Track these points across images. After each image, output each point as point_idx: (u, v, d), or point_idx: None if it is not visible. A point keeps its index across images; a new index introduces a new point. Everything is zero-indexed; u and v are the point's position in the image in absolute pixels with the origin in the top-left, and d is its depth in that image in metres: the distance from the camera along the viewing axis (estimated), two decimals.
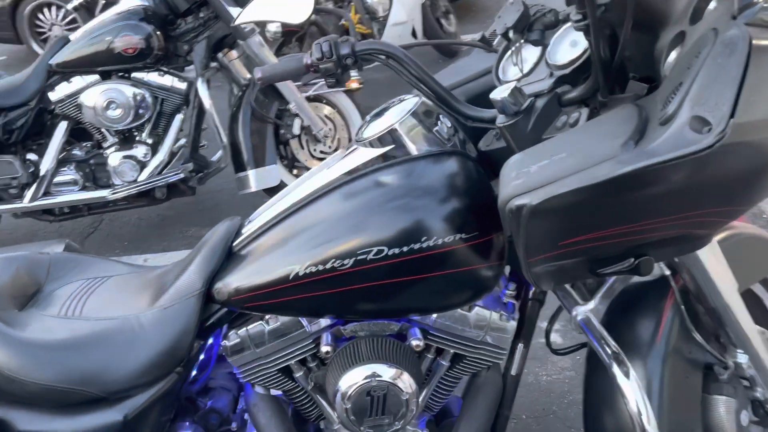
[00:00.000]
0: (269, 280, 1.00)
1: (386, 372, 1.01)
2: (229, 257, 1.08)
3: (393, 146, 1.05)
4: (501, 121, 1.00)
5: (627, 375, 1.01)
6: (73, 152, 2.63)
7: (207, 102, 2.48)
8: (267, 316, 1.08)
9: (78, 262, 1.28)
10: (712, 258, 1.06)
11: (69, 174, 2.59)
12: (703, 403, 1.18)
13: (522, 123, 0.98)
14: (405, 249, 0.94)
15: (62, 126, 2.57)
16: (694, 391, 1.13)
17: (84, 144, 2.66)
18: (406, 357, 1.05)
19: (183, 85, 2.56)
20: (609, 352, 1.03)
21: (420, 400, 1.15)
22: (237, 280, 1.03)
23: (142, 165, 2.57)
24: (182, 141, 2.63)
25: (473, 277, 0.99)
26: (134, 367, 1.03)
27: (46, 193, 2.57)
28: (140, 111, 2.53)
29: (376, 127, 1.06)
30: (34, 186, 2.54)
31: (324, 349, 1.05)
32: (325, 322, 1.08)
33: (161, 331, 1.05)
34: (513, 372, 1.18)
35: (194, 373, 1.17)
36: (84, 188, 2.61)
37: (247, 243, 1.07)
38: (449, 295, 1.01)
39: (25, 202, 2.55)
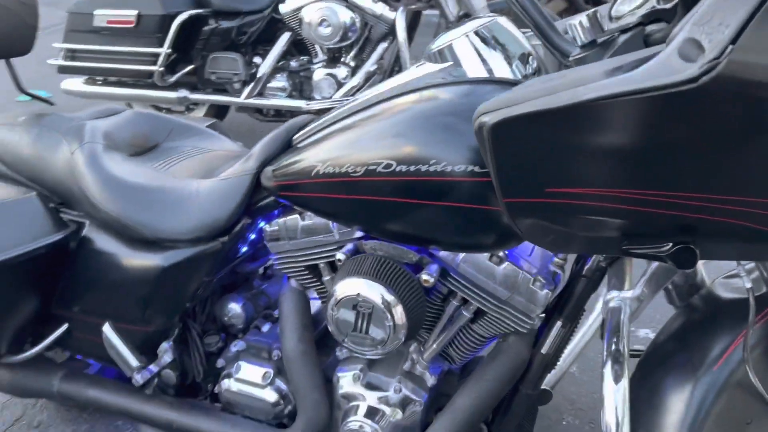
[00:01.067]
0: (296, 172, 1.01)
1: (376, 294, 0.97)
2: (286, 149, 1.12)
3: (451, 63, 0.97)
4: (574, 54, 0.86)
5: (617, 380, 0.82)
6: (289, 62, 2.91)
7: (401, 35, 2.52)
8: (305, 213, 1.11)
9: (197, 133, 1.43)
10: None
11: (281, 81, 2.88)
12: None
13: (594, 58, 0.83)
14: (412, 168, 0.88)
15: (285, 37, 2.85)
16: None
17: (300, 57, 2.92)
18: (409, 288, 0.99)
19: (392, 15, 2.63)
20: (613, 348, 0.85)
21: (434, 344, 1.09)
22: (277, 168, 1.06)
23: (339, 84, 2.74)
24: (377, 69, 2.73)
25: (488, 220, 0.88)
26: (182, 224, 1.14)
27: (260, 94, 2.90)
28: (349, 33, 2.68)
29: (441, 41, 0.98)
30: (251, 85, 2.87)
31: (339, 256, 1.05)
32: (351, 233, 1.07)
33: (210, 200, 1.14)
34: (543, 350, 1.05)
35: (244, 249, 1.25)
36: (290, 96, 2.88)
37: (301, 139, 1.09)
38: (461, 233, 0.92)
39: (242, 98, 2.90)
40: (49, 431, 1.63)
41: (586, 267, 1.00)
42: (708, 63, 0.49)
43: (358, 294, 0.98)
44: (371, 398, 1.11)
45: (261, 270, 1.38)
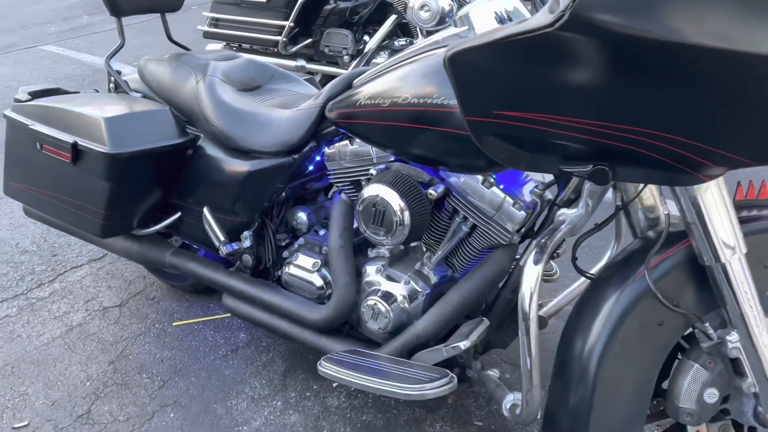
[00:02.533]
0: (348, 105, 1.36)
1: (391, 197, 1.30)
2: (347, 88, 1.47)
3: (466, 27, 1.28)
4: None
5: (537, 262, 1.09)
6: (393, 41, 3.27)
7: None
8: (354, 140, 1.45)
9: (292, 80, 1.82)
10: (717, 220, 1.02)
11: (383, 57, 3.24)
12: (679, 364, 1.15)
13: None
14: (421, 101, 1.20)
15: (391, 19, 3.20)
16: (663, 342, 1.11)
17: (402, 38, 3.27)
18: (416, 198, 1.30)
19: None
20: (543, 242, 1.12)
21: (440, 251, 1.41)
22: (336, 102, 1.41)
23: None
24: None
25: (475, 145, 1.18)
26: (266, 140, 1.53)
27: None
28: (446, 18, 2.98)
29: (463, 10, 1.29)
30: (357, 59, 3.27)
31: (372, 171, 1.39)
32: (385, 157, 1.40)
33: (288, 125, 1.52)
34: (521, 262, 1.33)
35: (311, 168, 1.62)
36: None
37: (357, 82, 1.43)
38: (458, 155, 1.22)
39: (349, 69, 3.30)
40: (160, 304, 2.12)
41: (559, 197, 1.27)
42: (559, 12, 0.77)
43: (377, 195, 1.32)
44: (387, 286, 1.44)
45: (325, 192, 1.74)
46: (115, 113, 1.54)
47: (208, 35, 3.60)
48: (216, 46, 3.67)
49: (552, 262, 1.66)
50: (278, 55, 3.43)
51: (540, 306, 1.52)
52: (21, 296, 2.17)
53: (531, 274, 1.10)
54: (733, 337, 1.08)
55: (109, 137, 1.51)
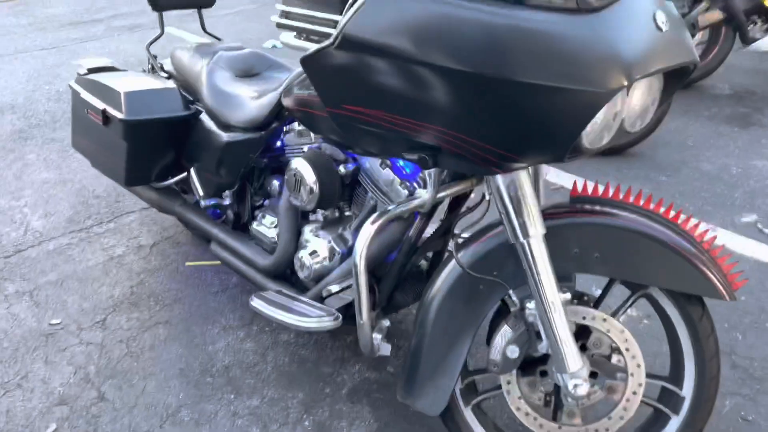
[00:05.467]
0: (288, 93, 1.69)
1: (305, 171, 1.62)
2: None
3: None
4: None
5: (373, 222, 1.37)
6: None
7: None
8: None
9: (287, 70, 2.18)
10: (525, 201, 1.25)
11: None
12: (496, 325, 1.39)
13: None
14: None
15: None
16: (480, 301, 1.35)
17: None
18: (327, 173, 1.61)
19: None
20: (389, 209, 1.39)
21: (356, 220, 1.71)
22: (284, 90, 1.75)
23: None
24: None
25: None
26: (242, 117, 1.89)
27: None
28: None
29: None
30: None
31: (305, 148, 1.72)
32: (318, 139, 1.72)
33: (257, 106, 1.87)
34: (409, 234, 1.59)
35: (279, 144, 1.97)
36: None
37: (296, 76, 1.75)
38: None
39: None
40: (182, 247, 2.58)
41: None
42: (336, 34, 1.06)
43: (297, 168, 1.65)
44: (314, 244, 1.77)
45: None
46: (133, 89, 1.99)
47: (279, 26, 4.04)
48: (289, 35, 4.11)
49: None
50: None
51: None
52: (84, 230, 2.73)
53: (365, 231, 1.38)
54: (531, 306, 1.30)
55: (126, 107, 1.96)
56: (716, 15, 3.51)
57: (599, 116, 1.07)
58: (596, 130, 1.10)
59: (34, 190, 3.11)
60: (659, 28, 1.05)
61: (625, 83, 0.97)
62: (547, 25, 0.97)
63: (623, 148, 3.18)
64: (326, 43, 1.12)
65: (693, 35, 3.84)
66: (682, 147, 3.35)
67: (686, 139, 3.45)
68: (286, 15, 3.98)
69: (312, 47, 1.22)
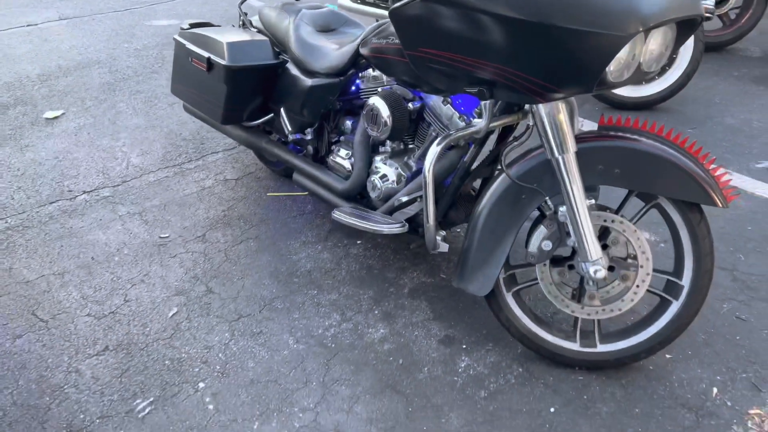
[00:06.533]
0: (366, 44, 2.06)
1: (381, 106, 2.00)
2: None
3: None
4: None
5: (438, 144, 1.74)
6: None
7: None
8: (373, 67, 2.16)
9: (360, 27, 2.55)
10: (561, 126, 1.60)
11: None
12: (534, 226, 1.76)
13: None
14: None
15: None
16: (522, 205, 1.72)
17: None
18: (398, 108, 1.99)
19: None
20: (450, 133, 1.76)
21: (418, 150, 2.10)
22: (361, 41, 2.12)
23: None
24: None
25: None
26: (323, 65, 2.28)
27: None
28: None
29: None
30: None
31: (379, 89, 2.10)
32: (392, 82, 2.10)
33: (337, 55, 2.25)
34: (465, 159, 1.96)
35: (353, 89, 2.35)
36: None
37: (374, 28, 2.13)
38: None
39: None
40: (263, 182, 3.01)
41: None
42: None
43: (374, 104, 2.03)
44: (383, 170, 2.16)
45: None
46: (233, 39, 2.39)
47: None
48: None
49: None
50: None
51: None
52: (176, 166, 3.18)
53: (432, 150, 1.76)
54: (563, 209, 1.68)
55: (228, 55, 2.36)
56: None
57: (621, 55, 1.41)
58: (619, 68, 1.44)
59: (128, 133, 3.57)
60: None
61: (641, 29, 1.31)
62: None
63: (654, 103, 3.47)
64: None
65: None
66: (709, 103, 3.63)
67: (714, 96, 3.72)
68: None
69: (369, 9, 1.59)
